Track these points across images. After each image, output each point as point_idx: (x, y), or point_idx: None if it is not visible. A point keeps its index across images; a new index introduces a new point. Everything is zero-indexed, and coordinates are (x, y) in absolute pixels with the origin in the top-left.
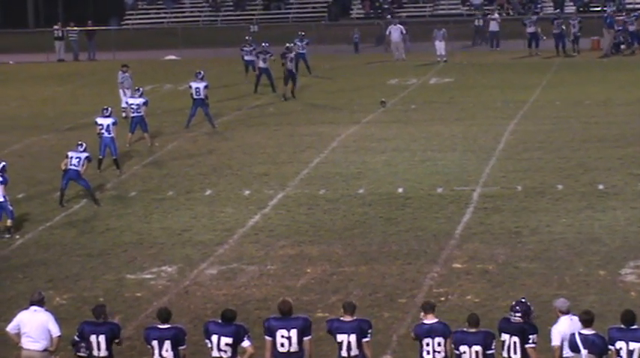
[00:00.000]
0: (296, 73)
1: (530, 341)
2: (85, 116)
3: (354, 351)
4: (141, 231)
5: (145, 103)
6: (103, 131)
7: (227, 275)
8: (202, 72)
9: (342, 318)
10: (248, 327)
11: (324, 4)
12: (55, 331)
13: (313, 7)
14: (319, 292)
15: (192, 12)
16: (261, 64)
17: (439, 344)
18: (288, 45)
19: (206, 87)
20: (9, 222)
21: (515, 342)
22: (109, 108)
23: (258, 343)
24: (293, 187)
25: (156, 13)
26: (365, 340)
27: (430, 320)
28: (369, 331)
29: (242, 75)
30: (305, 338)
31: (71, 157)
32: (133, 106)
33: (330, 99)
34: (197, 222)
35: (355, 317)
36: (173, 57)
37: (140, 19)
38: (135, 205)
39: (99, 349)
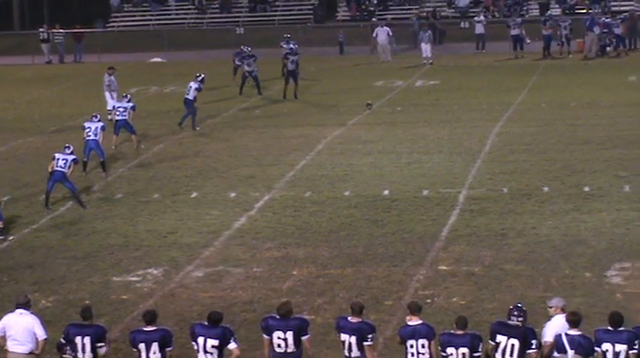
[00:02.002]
0: (297, 73)
1: (533, 346)
2: (70, 118)
3: (355, 353)
4: (127, 234)
5: (132, 107)
6: (90, 134)
7: (213, 277)
8: (202, 75)
9: (349, 318)
10: (234, 329)
11: (310, 7)
12: (41, 334)
13: (299, 10)
14: (305, 294)
15: (177, 14)
16: (246, 68)
17: (423, 346)
18: (292, 46)
19: (197, 89)
20: None
21: (513, 345)
22: (98, 115)
23: (244, 345)
24: (279, 189)
25: (141, 16)
26: (366, 343)
27: (414, 321)
28: (371, 335)
29: (228, 77)
30: (303, 338)
31: (57, 159)
32: (119, 109)
33: (316, 102)
34: (183, 225)
35: (360, 319)
36: (159, 59)
37: (126, 21)
38: (121, 207)
39: (83, 351)
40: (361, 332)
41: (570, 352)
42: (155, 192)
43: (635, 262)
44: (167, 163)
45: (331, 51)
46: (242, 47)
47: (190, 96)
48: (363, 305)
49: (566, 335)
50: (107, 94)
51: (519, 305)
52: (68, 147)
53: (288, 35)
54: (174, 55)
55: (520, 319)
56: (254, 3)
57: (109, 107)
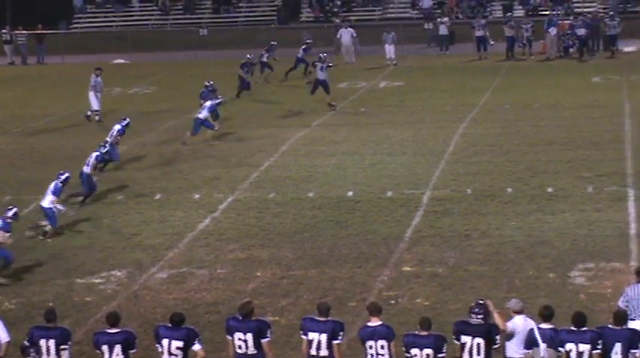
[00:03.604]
0: (327, 82)
1: (498, 341)
2: (34, 120)
3: (324, 352)
4: (90, 236)
5: (119, 132)
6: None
7: (177, 279)
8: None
9: (316, 318)
10: (198, 331)
11: (274, 8)
12: (4, 336)
13: (263, 11)
14: (269, 295)
15: (141, 15)
16: (241, 74)
17: (382, 347)
18: (320, 55)
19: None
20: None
21: (479, 344)
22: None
23: (208, 347)
24: (243, 191)
25: (105, 17)
26: (336, 342)
27: (374, 322)
28: (341, 333)
29: (192, 79)
30: (263, 341)
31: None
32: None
33: (280, 103)
34: (147, 226)
35: (329, 318)
36: (122, 61)
37: (89, 22)
38: (84, 209)
39: (48, 354)
40: (333, 331)
41: (542, 345)
42: (119, 193)
43: (599, 263)
44: (131, 165)
45: (295, 52)
46: (248, 56)
47: (201, 116)
48: (330, 306)
49: (539, 328)
50: (92, 94)
51: (480, 301)
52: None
53: (274, 43)
54: (137, 57)
55: (481, 316)
56: (217, 4)
57: (94, 108)
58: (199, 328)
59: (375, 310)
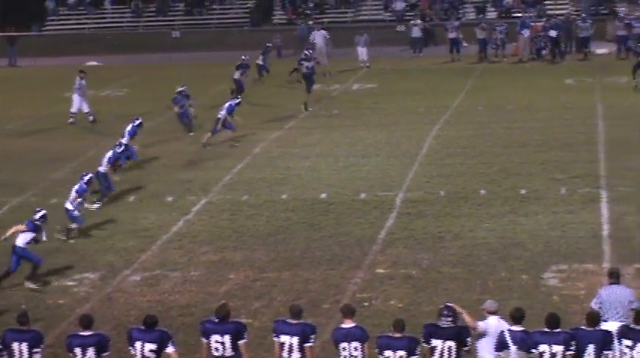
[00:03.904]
0: (312, 79)
1: (468, 343)
2: (5, 122)
3: (296, 354)
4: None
5: (130, 133)
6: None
7: (150, 281)
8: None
9: (288, 320)
10: (172, 333)
11: (246, 10)
12: None
13: (235, 13)
14: (242, 298)
15: (113, 18)
16: (236, 76)
17: (356, 349)
18: (306, 52)
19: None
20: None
21: (450, 347)
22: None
23: (182, 349)
24: (216, 193)
25: (77, 19)
26: (307, 344)
27: (348, 324)
28: (313, 336)
29: (165, 81)
30: (240, 342)
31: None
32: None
33: (253, 105)
34: (120, 229)
35: (301, 321)
36: (95, 63)
37: (62, 24)
38: (58, 211)
39: (21, 357)
40: (304, 333)
41: (513, 348)
42: (92, 196)
43: (572, 264)
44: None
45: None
46: (242, 57)
47: (221, 117)
48: (302, 308)
49: (509, 330)
50: (75, 96)
51: (449, 304)
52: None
53: (269, 44)
54: (110, 59)
55: (450, 319)
56: (190, 7)
57: (73, 110)
58: (173, 330)
59: (348, 312)
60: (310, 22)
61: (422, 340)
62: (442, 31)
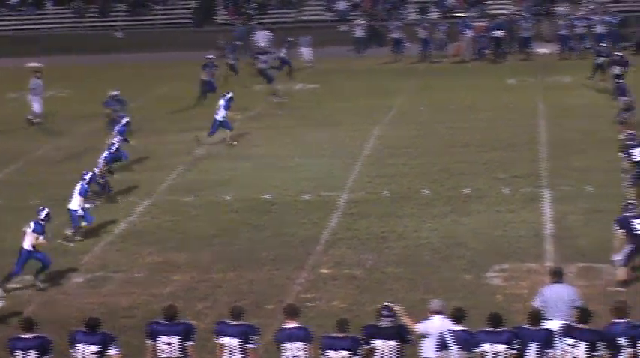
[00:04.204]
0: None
1: (410, 340)
2: None
3: (238, 355)
4: (4, 238)
5: (119, 131)
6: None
7: (93, 283)
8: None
9: (230, 322)
10: (115, 335)
11: (189, 10)
12: None
13: (178, 13)
14: (186, 299)
15: (55, 18)
16: (203, 77)
17: (299, 349)
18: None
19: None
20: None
21: (392, 346)
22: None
23: (125, 351)
24: (160, 194)
25: (18, 20)
26: (250, 346)
27: (292, 325)
28: (255, 337)
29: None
30: (188, 344)
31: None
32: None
33: (196, 106)
34: (62, 230)
35: (242, 322)
36: (36, 64)
37: (2, 25)
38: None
39: None
40: (245, 335)
41: (455, 347)
42: (34, 197)
43: (514, 263)
44: (46, 168)
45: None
46: (208, 56)
47: (219, 117)
48: (243, 309)
49: (451, 331)
50: (31, 98)
51: (388, 304)
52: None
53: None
54: (51, 60)
55: (390, 318)
56: (132, 7)
57: (36, 110)
58: (116, 332)
59: (292, 312)
60: (252, 23)
61: (362, 342)
62: (385, 31)
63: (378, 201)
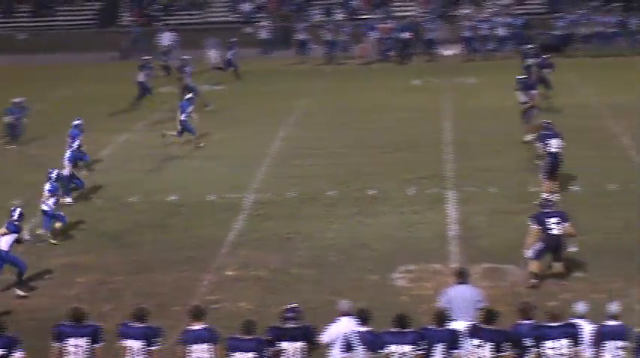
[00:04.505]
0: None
1: (317, 341)
2: None
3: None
4: None
5: (72, 135)
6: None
7: None
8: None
9: (131, 324)
10: (19, 338)
11: (94, 11)
12: None
13: (82, 15)
14: (91, 301)
15: None
16: (140, 78)
17: (205, 351)
18: (184, 57)
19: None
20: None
21: (298, 347)
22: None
23: (29, 354)
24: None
25: None
26: (153, 348)
27: (197, 326)
28: (157, 339)
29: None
30: (96, 346)
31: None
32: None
33: (100, 108)
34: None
35: (145, 324)
36: None
37: None
38: None
39: None
40: (148, 337)
41: (360, 348)
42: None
43: (420, 264)
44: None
45: (115, 56)
46: (143, 58)
47: (183, 118)
48: (146, 311)
49: (356, 332)
50: None
51: (292, 305)
52: None
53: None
54: None
55: (295, 320)
56: (37, 8)
57: None
58: (20, 335)
59: (197, 314)
60: (158, 24)
61: (266, 345)
62: (291, 32)
63: (284, 202)
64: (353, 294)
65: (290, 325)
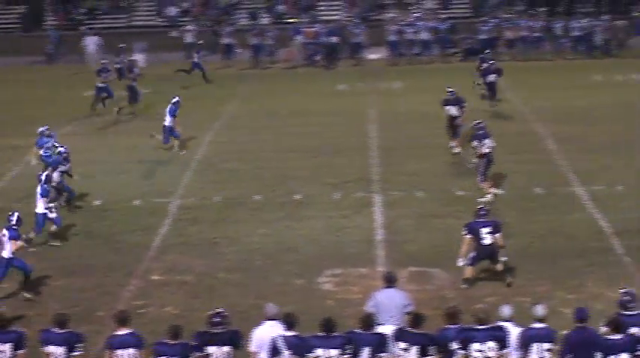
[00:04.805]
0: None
1: (243, 345)
2: None
3: None
4: None
5: (40, 144)
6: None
7: None
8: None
9: (53, 329)
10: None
11: (18, 15)
12: None
13: (6, 18)
14: (15, 307)
15: None
16: (98, 83)
17: (131, 356)
18: (131, 58)
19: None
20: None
21: (224, 352)
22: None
23: None
24: None
25: None
26: (75, 354)
27: (123, 331)
28: (79, 345)
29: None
30: (19, 352)
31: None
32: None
33: (25, 111)
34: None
35: (67, 330)
36: None
37: None
38: None
39: None
40: (70, 343)
41: (286, 353)
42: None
43: (346, 268)
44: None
45: (39, 60)
46: (102, 61)
47: (167, 124)
48: (68, 316)
49: (282, 337)
50: None
51: (218, 310)
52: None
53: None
54: None
55: (221, 325)
56: None
57: None
58: None
59: (123, 319)
60: (83, 28)
61: (195, 348)
62: (216, 36)
63: (209, 206)
64: (279, 298)
65: (216, 330)
